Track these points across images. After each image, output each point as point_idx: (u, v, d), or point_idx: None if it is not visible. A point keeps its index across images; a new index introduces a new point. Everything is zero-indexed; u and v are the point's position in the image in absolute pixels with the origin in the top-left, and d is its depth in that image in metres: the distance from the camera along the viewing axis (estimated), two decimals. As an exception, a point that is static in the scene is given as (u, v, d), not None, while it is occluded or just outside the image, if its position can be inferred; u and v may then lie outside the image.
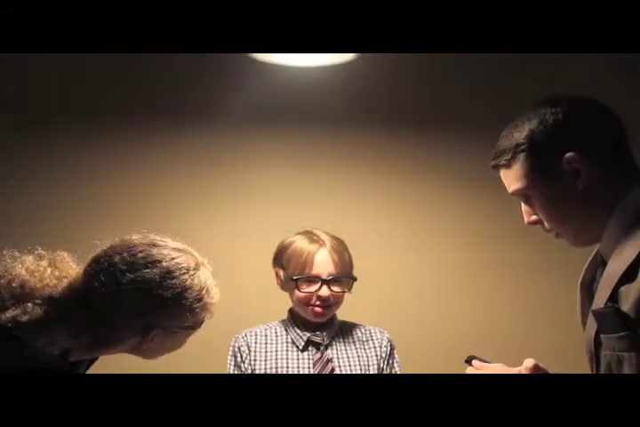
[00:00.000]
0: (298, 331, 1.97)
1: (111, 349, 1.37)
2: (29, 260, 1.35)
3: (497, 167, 1.32)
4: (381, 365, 1.97)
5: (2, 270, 1.33)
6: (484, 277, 2.82)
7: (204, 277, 1.37)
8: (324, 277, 1.90)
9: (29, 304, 1.27)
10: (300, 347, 1.95)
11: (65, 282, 1.34)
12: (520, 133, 1.26)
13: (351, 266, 1.97)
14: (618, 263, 1.16)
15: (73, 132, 2.67)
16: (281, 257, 1.96)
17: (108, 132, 2.69)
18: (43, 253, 1.38)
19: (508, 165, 1.29)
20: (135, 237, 1.37)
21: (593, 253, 1.32)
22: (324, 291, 1.90)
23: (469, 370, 1.39)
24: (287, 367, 1.92)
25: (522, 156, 1.26)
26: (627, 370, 1.14)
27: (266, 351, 1.95)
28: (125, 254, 1.32)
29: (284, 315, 2.03)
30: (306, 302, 1.93)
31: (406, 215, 2.83)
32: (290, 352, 1.95)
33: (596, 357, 1.21)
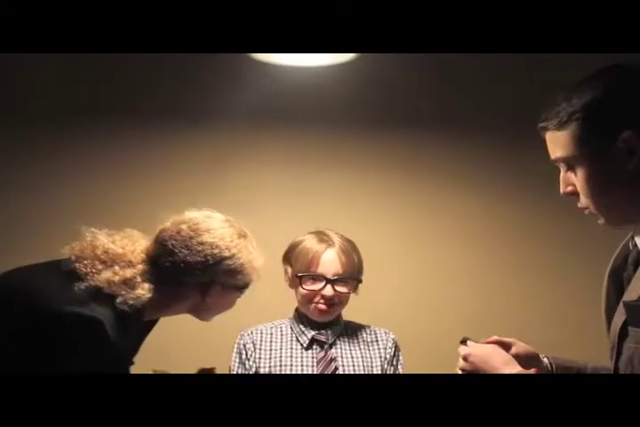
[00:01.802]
0: (303, 329, 1.98)
1: (177, 307, 1.60)
2: (104, 233, 1.57)
3: (545, 129, 1.24)
4: (385, 366, 1.97)
5: (87, 243, 1.54)
6: (489, 276, 2.81)
7: (251, 244, 1.62)
8: (330, 276, 1.91)
9: (117, 267, 1.49)
10: (305, 345, 1.95)
11: (139, 249, 1.57)
12: (579, 100, 1.18)
13: (360, 268, 1.98)
14: None
15: (71, 133, 2.66)
16: (290, 254, 1.98)
17: (106, 132, 2.68)
18: (112, 232, 1.59)
19: (557, 129, 1.21)
20: (193, 212, 1.62)
21: (624, 241, 1.27)
22: (328, 290, 1.91)
23: (462, 349, 1.39)
24: (291, 365, 1.92)
25: (575, 124, 1.18)
26: None
27: (270, 349, 1.96)
28: (191, 223, 1.56)
29: (291, 313, 2.04)
30: (309, 300, 1.93)
31: (409, 215, 2.81)
32: (294, 350, 1.95)
33: (618, 347, 1.18)
